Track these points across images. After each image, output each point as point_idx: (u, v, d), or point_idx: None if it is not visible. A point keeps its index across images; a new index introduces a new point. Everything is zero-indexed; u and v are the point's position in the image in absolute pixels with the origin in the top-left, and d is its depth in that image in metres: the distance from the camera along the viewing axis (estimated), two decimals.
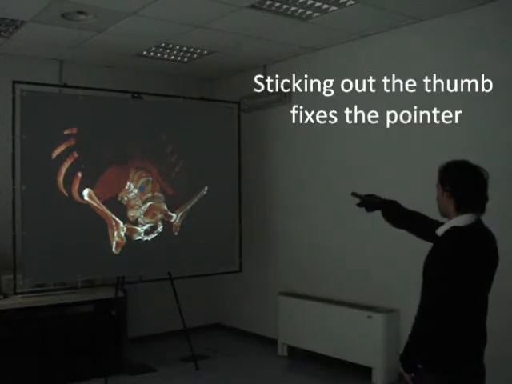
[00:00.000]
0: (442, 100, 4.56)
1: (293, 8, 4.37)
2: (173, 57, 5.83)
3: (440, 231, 2.43)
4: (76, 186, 4.86)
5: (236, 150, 5.87)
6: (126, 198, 5.14)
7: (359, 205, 2.88)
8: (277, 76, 6.10)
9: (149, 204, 5.27)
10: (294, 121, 5.92)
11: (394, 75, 4.93)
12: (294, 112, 5.90)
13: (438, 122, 4.58)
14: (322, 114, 5.62)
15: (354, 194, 2.89)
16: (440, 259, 2.32)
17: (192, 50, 5.58)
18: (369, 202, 2.85)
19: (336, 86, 5.47)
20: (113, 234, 5.07)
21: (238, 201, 5.87)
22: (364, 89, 5.19)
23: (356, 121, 5.26)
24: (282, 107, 6.03)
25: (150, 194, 5.29)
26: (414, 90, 4.77)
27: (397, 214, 2.79)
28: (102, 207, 5.00)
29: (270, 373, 5.40)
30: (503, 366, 3.86)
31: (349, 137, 5.34)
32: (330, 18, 4.59)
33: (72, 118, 4.90)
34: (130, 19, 4.56)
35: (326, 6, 4.35)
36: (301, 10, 4.42)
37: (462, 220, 2.36)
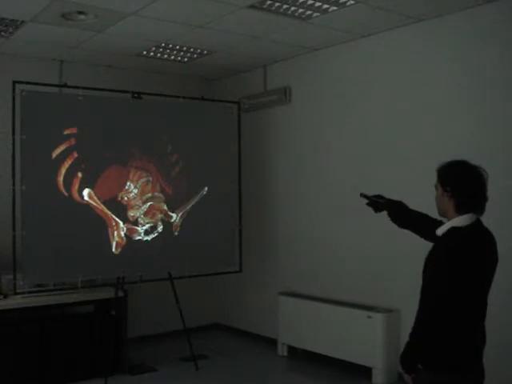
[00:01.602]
0: (442, 100, 4.56)
1: (293, 8, 4.37)
2: (173, 57, 5.83)
3: (440, 231, 2.43)
4: (76, 186, 4.86)
5: (236, 150, 5.87)
6: (125, 198, 5.14)
7: (368, 204, 2.93)
8: (277, 76, 6.11)
9: (149, 204, 5.27)
10: (293, 121, 5.93)
11: (393, 75, 4.93)
12: (293, 112, 5.91)
13: (437, 122, 4.59)
14: (321, 113, 5.63)
15: (362, 194, 2.95)
16: (441, 260, 2.31)
17: (192, 49, 5.58)
18: (376, 203, 2.89)
19: (336, 86, 5.48)
20: (113, 233, 5.07)
21: (238, 201, 5.87)
22: (364, 88, 5.19)
23: (356, 120, 5.27)
24: (281, 107, 6.03)
25: (149, 194, 5.29)
26: (413, 90, 4.78)
27: (402, 215, 2.82)
28: (102, 207, 5.00)
29: (270, 373, 5.40)
30: (502, 367, 3.86)
31: (349, 136, 5.35)
32: (330, 17, 4.59)
33: (72, 118, 4.90)
34: (130, 19, 4.56)
35: (326, 6, 4.35)
36: (301, 10, 4.42)
37: (461, 220, 2.36)
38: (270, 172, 6.26)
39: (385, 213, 2.89)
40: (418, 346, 2.33)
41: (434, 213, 2.56)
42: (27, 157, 4.67)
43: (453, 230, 2.36)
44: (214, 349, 6.02)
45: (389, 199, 2.87)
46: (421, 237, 2.78)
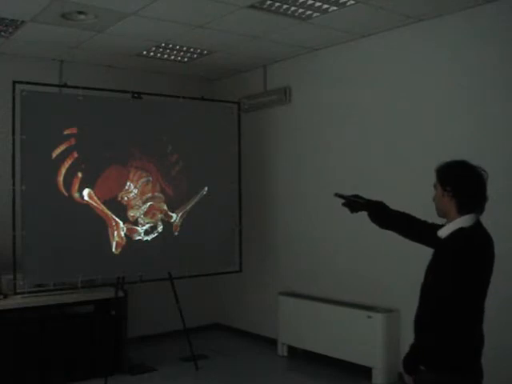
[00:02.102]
0: (442, 100, 4.56)
1: (293, 8, 4.37)
2: (173, 57, 5.83)
3: (444, 233, 2.41)
4: (76, 186, 4.86)
5: (236, 150, 5.87)
6: (125, 198, 5.14)
7: (344, 204, 2.83)
8: (277, 76, 6.11)
9: (149, 204, 5.27)
10: (293, 121, 5.92)
11: (393, 75, 4.93)
12: (293, 112, 5.91)
13: (437, 122, 4.59)
14: (321, 113, 5.63)
15: (337, 194, 2.84)
16: (446, 261, 2.31)
17: (192, 49, 5.58)
18: (353, 203, 2.80)
19: (336, 86, 5.48)
20: (113, 233, 5.07)
21: (238, 201, 5.87)
22: (364, 88, 5.19)
23: (356, 120, 5.27)
24: (281, 107, 6.03)
25: (149, 194, 5.29)
26: (413, 90, 4.77)
27: (383, 215, 2.74)
28: (102, 207, 5.00)
29: (270, 373, 5.40)
30: (501, 367, 3.86)
31: (349, 136, 5.35)
32: (330, 17, 4.58)
33: (72, 118, 4.90)
34: (130, 19, 4.56)
35: (326, 6, 4.34)
36: (301, 10, 4.42)
37: (465, 221, 2.35)
38: (270, 172, 6.26)
39: None
40: (421, 347, 2.33)
41: (433, 213, 2.55)
42: (27, 157, 4.67)
43: (460, 230, 2.34)
44: (214, 349, 6.03)
45: (368, 200, 2.78)
46: (404, 237, 2.75)
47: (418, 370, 2.36)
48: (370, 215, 2.76)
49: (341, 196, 2.83)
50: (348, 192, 2.89)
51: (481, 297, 2.37)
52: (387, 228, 2.77)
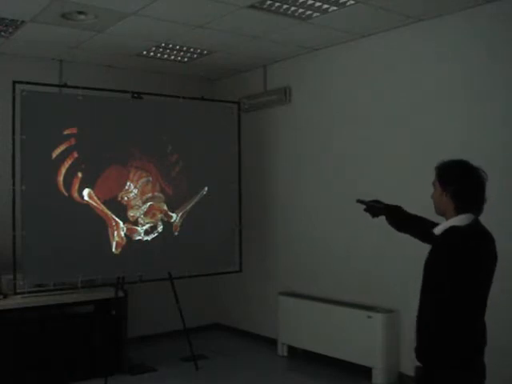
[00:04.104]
0: (442, 100, 4.56)
1: (293, 8, 4.37)
2: (173, 57, 5.83)
3: (438, 230, 2.42)
4: (76, 186, 4.86)
5: (236, 150, 5.87)
6: (126, 198, 5.14)
7: (365, 210, 2.91)
8: (277, 76, 6.11)
9: (149, 204, 5.27)
10: (293, 121, 5.93)
11: (393, 75, 4.94)
12: (293, 112, 5.92)
13: (437, 122, 4.59)
14: (321, 113, 5.63)
15: (358, 200, 2.93)
16: (440, 258, 2.31)
17: (192, 49, 5.58)
18: (373, 208, 2.87)
19: (336, 86, 5.48)
20: (113, 233, 5.07)
21: (237, 201, 5.87)
22: (364, 88, 5.19)
23: (356, 120, 5.27)
24: (281, 107, 6.03)
25: (149, 194, 5.29)
26: (413, 90, 4.78)
27: (401, 219, 2.81)
28: (102, 207, 5.00)
29: (270, 373, 5.40)
30: (504, 366, 3.86)
31: (349, 136, 5.35)
32: (330, 17, 4.59)
33: (72, 118, 4.90)
34: (130, 19, 4.56)
35: (326, 6, 4.35)
36: (301, 10, 4.42)
37: (460, 220, 2.36)
38: (269, 172, 6.26)
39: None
40: (422, 344, 2.33)
41: (432, 212, 2.55)
42: (27, 157, 4.67)
43: (451, 228, 2.35)
44: (214, 349, 6.02)
45: (386, 204, 2.85)
46: (420, 240, 2.78)
47: (418, 368, 2.36)
48: (388, 219, 2.83)
49: (362, 202, 2.91)
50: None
51: (481, 294, 2.37)
52: (404, 231, 2.83)
